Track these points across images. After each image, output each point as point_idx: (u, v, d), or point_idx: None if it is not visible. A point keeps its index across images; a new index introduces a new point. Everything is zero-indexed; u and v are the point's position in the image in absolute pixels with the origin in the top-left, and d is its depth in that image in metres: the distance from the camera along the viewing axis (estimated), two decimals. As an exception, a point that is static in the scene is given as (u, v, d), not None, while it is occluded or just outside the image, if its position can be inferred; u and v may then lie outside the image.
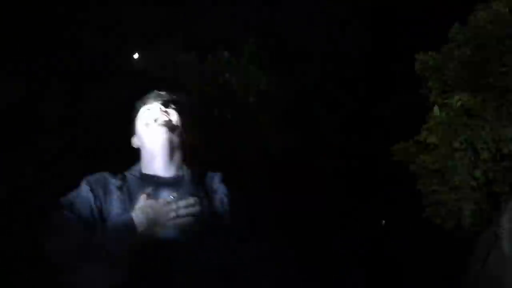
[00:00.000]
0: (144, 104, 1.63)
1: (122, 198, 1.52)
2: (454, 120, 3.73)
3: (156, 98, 1.63)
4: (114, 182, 1.55)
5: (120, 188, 1.55)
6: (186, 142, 1.61)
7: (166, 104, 1.62)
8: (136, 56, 4.73)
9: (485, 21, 3.81)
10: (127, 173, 1.59)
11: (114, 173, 1.58)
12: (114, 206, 1.51)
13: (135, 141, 1.65)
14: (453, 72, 3.84)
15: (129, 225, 1.43)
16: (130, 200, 1.50)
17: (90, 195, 1.51)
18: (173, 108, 1.62)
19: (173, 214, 1.43)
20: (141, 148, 1.61)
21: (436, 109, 3.75)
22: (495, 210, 3.71)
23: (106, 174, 1.57)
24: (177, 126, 1.59)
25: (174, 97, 1.68)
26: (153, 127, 1.56)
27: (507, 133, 3.61)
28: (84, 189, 1.53)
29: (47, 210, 1.52)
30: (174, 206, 1.43)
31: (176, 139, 1.58)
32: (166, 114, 1.59)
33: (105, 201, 1.51)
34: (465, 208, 3.85)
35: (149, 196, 1.46)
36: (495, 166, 3.69)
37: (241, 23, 5.02)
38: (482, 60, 3.83)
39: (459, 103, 3.72)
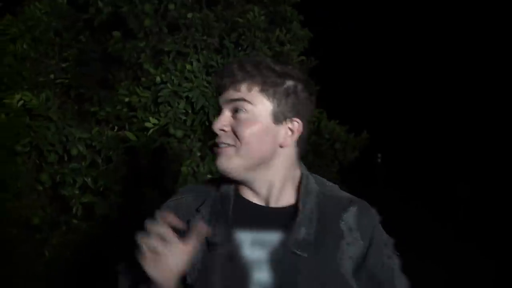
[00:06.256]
0: None
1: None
2: (15, 121, 3.30)
3: None
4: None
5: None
6: None
7: None
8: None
9: (41, 13, 3.48)
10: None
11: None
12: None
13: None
14: (9, 69, 3.36)
15: None
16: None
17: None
18: None
19: None
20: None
21: (-5, 110, 3.23)
22: (63, 213, 3.60)
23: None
24: None
25: None
26: None
27: (74, 132, 3.50)
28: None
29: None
30: None
31: None
32: None
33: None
34: (32, 215, 3.57)
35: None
36: (62, 169, 3.54)
37: None
38: (41, 55, 3.52)
39: (20, 103, 3.31)
